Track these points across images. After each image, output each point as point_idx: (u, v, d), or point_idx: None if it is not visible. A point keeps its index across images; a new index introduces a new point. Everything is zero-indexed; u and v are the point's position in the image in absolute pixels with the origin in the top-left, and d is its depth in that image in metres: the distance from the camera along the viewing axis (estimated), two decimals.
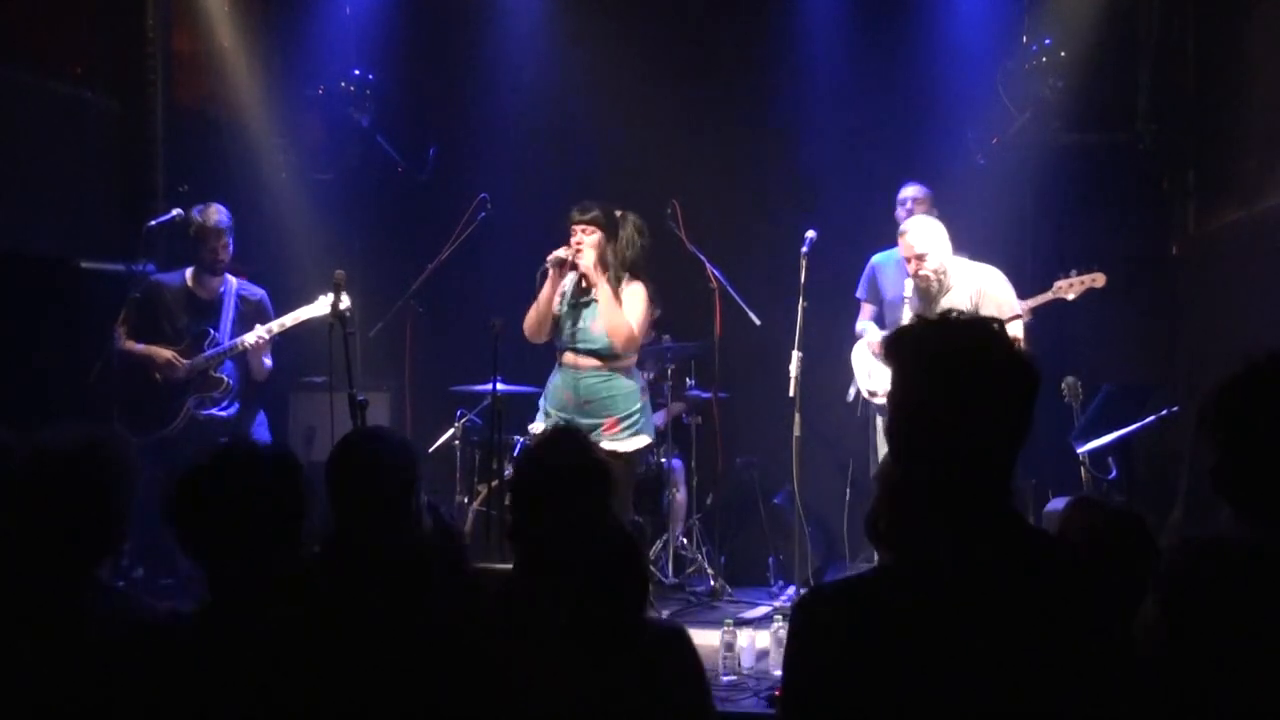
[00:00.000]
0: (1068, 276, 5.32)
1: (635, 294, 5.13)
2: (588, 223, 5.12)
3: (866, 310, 5.99)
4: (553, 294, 5.17)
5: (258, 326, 5.48)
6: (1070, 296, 5.29)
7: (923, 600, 1.76)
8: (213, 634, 2.04)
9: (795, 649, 2.05)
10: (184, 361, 5.45)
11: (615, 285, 5.12)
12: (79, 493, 2.27)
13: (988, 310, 4.90)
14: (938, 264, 5.12)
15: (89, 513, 2.27)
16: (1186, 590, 1.19)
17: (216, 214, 5.52)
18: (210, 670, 1.99)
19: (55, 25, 6.10)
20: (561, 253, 5.12)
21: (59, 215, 5.92)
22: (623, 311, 5.08)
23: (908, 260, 5.30)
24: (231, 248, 5.55)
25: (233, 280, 5.62)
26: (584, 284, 5.18)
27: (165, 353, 5.44)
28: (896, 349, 1.82)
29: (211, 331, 5.51)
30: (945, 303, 5.10)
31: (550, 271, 5.13)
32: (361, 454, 2.73)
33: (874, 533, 2.68)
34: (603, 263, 5.14)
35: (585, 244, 5.11)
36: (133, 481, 2.35)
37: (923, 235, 5.16)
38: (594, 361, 5.14)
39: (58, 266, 5.67)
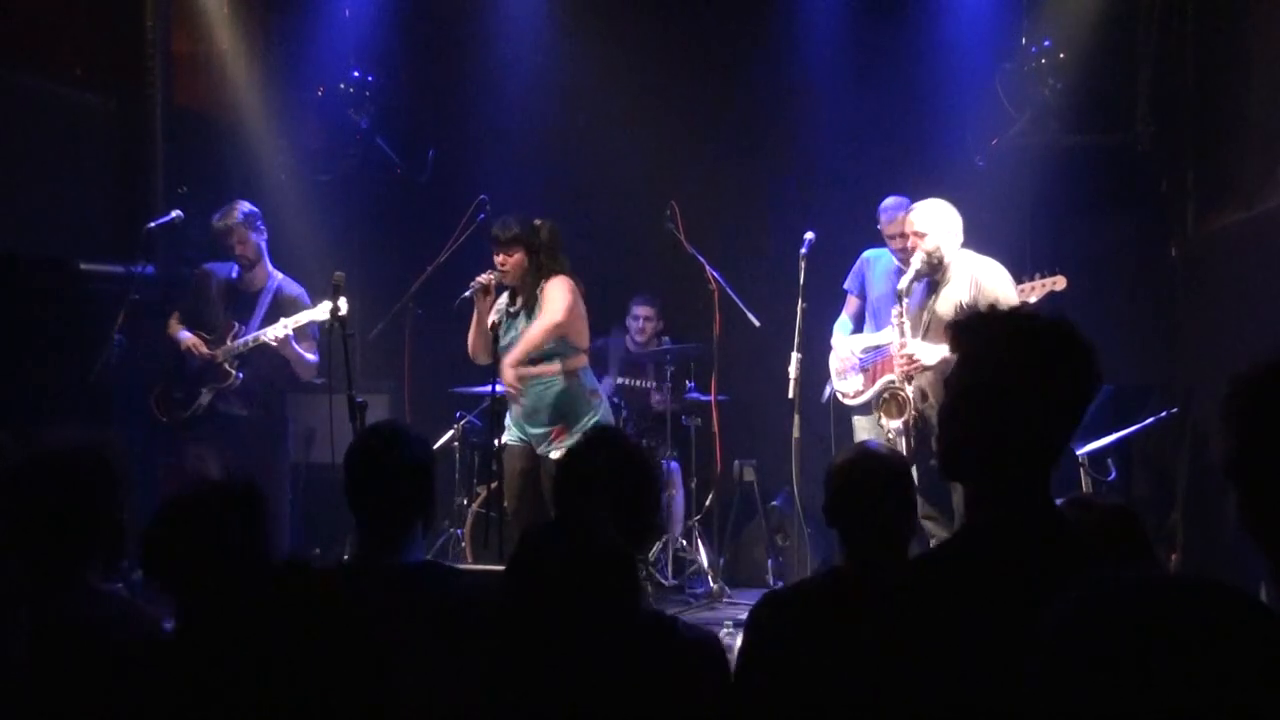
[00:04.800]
0: (1030, 280, 5.22)
1: (554, 288, 5.19)
2: (509, 243, 5.19)
3: (851, 304, 5.90)
4: (486, 315, 5.25)
5: (277, 323, 5.49)
6: (1032, 299, 5.14)
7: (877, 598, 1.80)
8: (188, 656, 2.04)
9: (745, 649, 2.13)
10: (205, 351, 5.51)
11: (537, 291, 5.20)
12: (70, 495, 2.27)
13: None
14: (933, 246, 5.06)
15: (80, 516, 2.28)
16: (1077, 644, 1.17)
17: (221, 217, 5.56)
18: (187, 691, 1.99)
19: (55, 27, 6.10)
20: (483, 279, 5.19)
21: (59, 216, 5.93)
22: (545, 310, 5.17)
23: (905, 236, 5.27)
24: (254, 242, 5.58)
25: (277, 276, 5.67)
26: (510, 300, 5.29)
27: (190, 338, 5.52)
28: (967, 332, 1.84)
29: (236, 325, 5.56)
30: (945, 296, 5.08)
31: (477, 295, 5.21)
32: (383, 448, 2.73)
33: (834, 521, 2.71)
34: (527, 276, 5.22)
35: (509, 264, 5.19)
36: (126, 485, 2.35)
37: (926, 215, 5.10)
38: (531, 369, 5.17)
39: (58, 267, 5.67)
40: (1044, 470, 1.82)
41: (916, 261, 5.11)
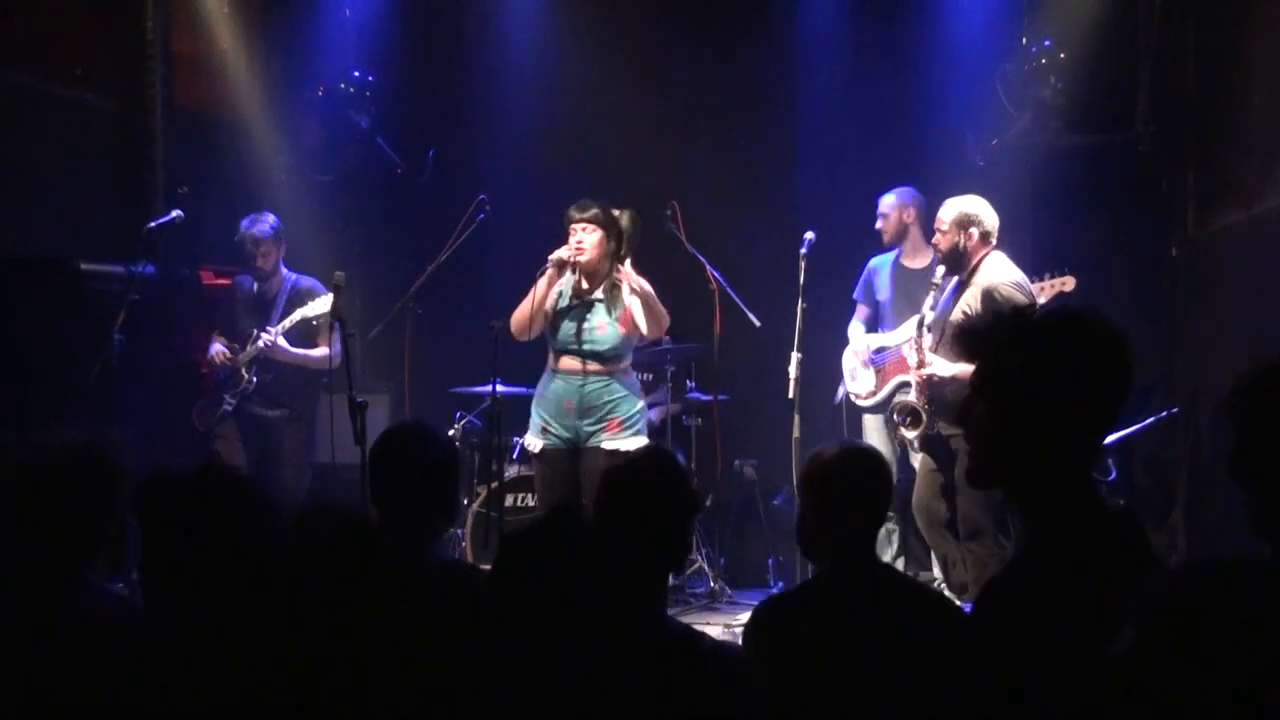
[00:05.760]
0: (1040, 280, 5.19)
1: (646, 287, 5.10)
2: (587, 221, 5.06)
3: (861, 311, 6.04)
4: (548, 292, 5.13)
5: (265, 333, 5.61)
6: (1041, 300, 5.12)
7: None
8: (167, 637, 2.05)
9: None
10: (230, 360, 5.70)
11: (616, 282, 5.10)
12: (68, 495, 2.27)
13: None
14: (947, 244, 5.06)
15: (78, 515, 2.28)
16: (1174, 622, 1.17)
17: (250, 226, 5.75)
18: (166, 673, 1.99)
19: (55, 27, 6.09)
20: (563, 253, 5.06)
21: (59, 216, 5.92)
22: (643, 302, 5.07)
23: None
24: (275, 255, 5.76)
25: (291, 277, 5.83)
26: (584, 284, 5.16)
27: (217, 351, 5.73)
28: (982, 338, 1.82)
29: (255, 332, 5.70)
30: (961, 302, 5.03)
31: (550, 272, 5.09)
32: (410, 445, 2.73)
33: (803, 541, 2.69)
34: (604, 262, 5.11)
35: (586, 243, 5.07)
36: (123, 485, 2.35)
37: (946, 211, 5.12)
38: (598, 366, 5.10)
39: (58, 267, 5.67)
40: (1082, 469, 1.78)
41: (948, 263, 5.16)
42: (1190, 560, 1.25)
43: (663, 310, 5.15)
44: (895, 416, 5.27)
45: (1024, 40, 6.41)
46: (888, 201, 5.99)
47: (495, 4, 7.30)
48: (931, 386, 5.07)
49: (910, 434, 5.19)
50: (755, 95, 7.26)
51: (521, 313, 5.15)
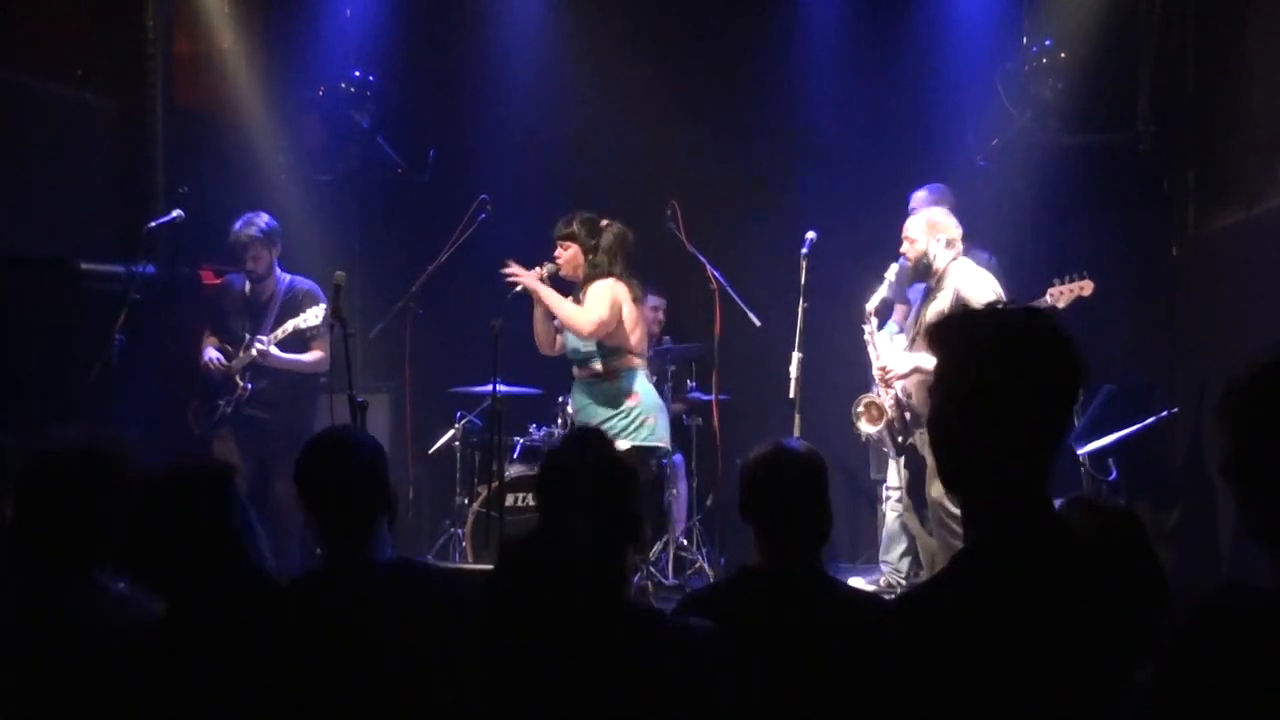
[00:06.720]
0: (1061, 283, 5.22)
1: (595, 291, 5.27)
2: (564, 239, 5.35)
3: (898, 312, 6.04)
4: (540, 313, 5.37)
5: (257, 342, 5.56)
6: (1061, 305, 5.12)
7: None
8: (172, 642, 2.06)
9: None
10: (223, 363, 5.66)
11: (580, 291, 5.32)
12: (74, 495, 2.27)
13: None
14: (917, 253, 5.22)
15: (84, 515, 2.27)
16: (1194, 656, 1.17)
17: (242, 227, 5.67)
18: (172, 677, 2.00)
19: (56, 27, 6.09)
20: (527, 281, 5.24)
21: (59, 216, 5.92)
22: (583, 308, 5.25)
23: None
24: (267, 258, 5.69)
25: (286, 279, 5.77)
26: (570, 296, 5.38)
27: (210, 356, 5.68)
28: (944, 334, 1.81)
29: (248, 336, 5.65)
30: (932, 307, 5.12)
31: (531, 295, 5.30)
32: (328, 454, 2.71)
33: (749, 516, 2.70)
34: (579, 273, 5.34)
35: (562, 259, 5.35)
36: (130, 485, 2.34)
37: (914, 221, 5.32)
38: (581, 371, 5.38)
39: (58, 267, 5.67)
40: (1040, 472, 1.77)
41: (914, 270, 5.31)
42: (1205, 592, 1.24)
43: (585, 314, 5.21)
44: (858, 409, 5.44)
45: (1024, 40, 6.41)
46: (919, 198, 5.94)
47: (495, 4, 7.30)
48: (888, 379, 5.29)
49: (868, 429, 5.39)
50: (755, 95, 7.26)
51: (535, 333, 5.43)
